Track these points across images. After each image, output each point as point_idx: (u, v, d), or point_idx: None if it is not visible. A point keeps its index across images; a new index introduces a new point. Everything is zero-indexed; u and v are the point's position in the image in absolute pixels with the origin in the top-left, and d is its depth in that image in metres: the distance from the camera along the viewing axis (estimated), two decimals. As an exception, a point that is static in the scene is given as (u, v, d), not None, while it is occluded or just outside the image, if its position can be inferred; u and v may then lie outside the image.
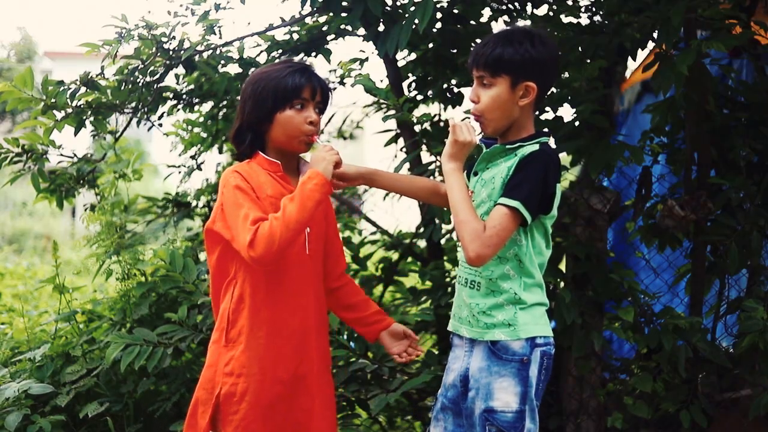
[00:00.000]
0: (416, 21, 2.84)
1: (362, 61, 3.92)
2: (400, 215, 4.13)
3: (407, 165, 3.55)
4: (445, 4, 3.39)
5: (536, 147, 2.06)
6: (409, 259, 4.00)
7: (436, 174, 3.39)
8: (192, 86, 3.73)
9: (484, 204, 2.09)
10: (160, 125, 3.65)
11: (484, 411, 2.07)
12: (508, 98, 2.07)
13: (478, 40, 3.42)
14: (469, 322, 2.13)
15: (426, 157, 3.43)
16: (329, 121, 4.89)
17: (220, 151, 4.32)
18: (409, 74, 3.66)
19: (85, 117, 3.22)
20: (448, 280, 3.52)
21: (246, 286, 2.19)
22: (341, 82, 4.11)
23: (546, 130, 2.47)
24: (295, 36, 3.64)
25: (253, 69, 3.47)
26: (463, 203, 2.05)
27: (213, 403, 2.16)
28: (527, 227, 2.05)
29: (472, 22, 3.45)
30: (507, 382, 2.05)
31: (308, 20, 3.59)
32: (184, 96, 3.70)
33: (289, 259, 2.19)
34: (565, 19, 3.47)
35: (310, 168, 2.20)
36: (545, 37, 2.09)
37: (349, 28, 3.47)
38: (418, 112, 3.45)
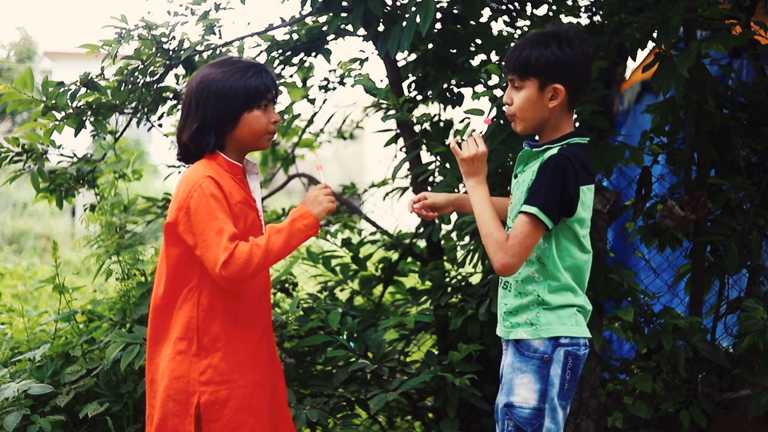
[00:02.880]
0: (418, 22, 2.84)
1: (362, 61, 3.92)
2: (400, 215, 4.12)
3: (407, 165, 3.55)
4: (445, 4, 3.39)
5: (555, 150, 2.08)
6: (409, 260, 4.00)
7: (436, 174, 3.39)
8: (192, 86, 3.72)
9: (516, 206, 2.13)
10: (160, 125, 3.65)
11: (505, 405, 2.13)
12: (537, 100, 2.10)
13: (478, 41, 3.46)
14: (500, 320, 2.19)
15: (426, 157, 3.43)
16: (328, 120, 4.89)
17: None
18: (409, 74, 3.66)
19: (85, 118, 3.21)
20: (447, 280, 3.52)
21: (216, 295, 2.17)
22: (341, 82, 4.11)
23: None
24: (295, 36, 3.64)
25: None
26: (484, 217, 2.10)
27: (193, 414, 2.14)
28: (550, 231, 2.08)
29: (472, 22, 3.45)
30: (527, 379, 2.10)
31: (308, 20, 3.59)
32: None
33: None
34: (565, 19, 3.48)
35: (304, 205, 2.20)
36: (575, 38, 2.09)
37: (350, 28, 3.47)
38: (418, 112, 3.45)
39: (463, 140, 2.18)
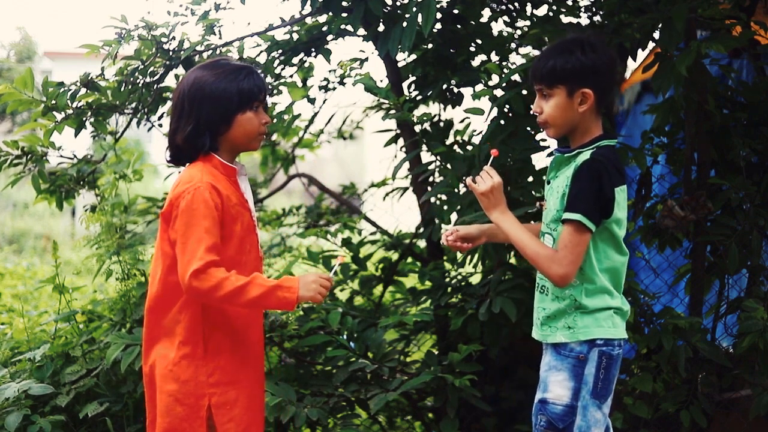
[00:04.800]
0: (419, 22, 2.84)
1: (362, 61, 3.92)
2: (400, 215, 4.12)
3: (407, 165, 3.55)
4: (445, 4, 3.39)
5: (588, 155, 2.14)
6: (409, 260, 4.00)
7: (436, 174, 3.39)
8: (192, 86, 3.71)
9: (551, 212, 2.19)
10: (160, 125, 3.64)
11: (539, 401, 2.20)
12: (567, 107, 2.16)
13: (479, 41, 3.46)
14: (538, 324, 2.25)
15: (426, 156, 3.43)
16: (329, 121, 4.89)
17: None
18: (409, 74, 3.66)
19: (85, 118, 3.22)
20: (447, 280, 3.52)
21: None
22: (341, 82, 4.11)
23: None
24: (295, 36, 3.64)
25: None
26: (524, 240, 2.17)
27: (203, 416, 2.15)
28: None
29: (472, 22, 3.45)
30: (562, 376, 2.17)
31: (308, 20, 3.59)
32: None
33: (253, 263, 2.23)
34: (565, 19, 3.47)
35: (297, 280, 2.16)
36: (596, 43, 2.17)
37: (350, 28, 3.47)
38: (418, 112, 3.45)
39: (478, 176, 2.24)
